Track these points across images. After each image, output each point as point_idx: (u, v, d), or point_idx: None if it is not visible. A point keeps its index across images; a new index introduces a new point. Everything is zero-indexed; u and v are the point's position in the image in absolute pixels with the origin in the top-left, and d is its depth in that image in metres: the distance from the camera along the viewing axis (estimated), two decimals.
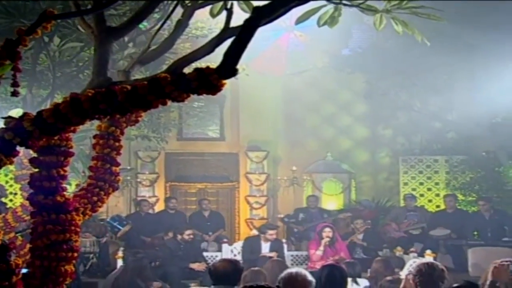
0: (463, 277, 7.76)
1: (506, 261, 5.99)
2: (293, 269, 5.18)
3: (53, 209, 4.12)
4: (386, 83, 16.58)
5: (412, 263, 6.91)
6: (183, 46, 10.55)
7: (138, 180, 16.29)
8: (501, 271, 5.89)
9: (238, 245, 12.66)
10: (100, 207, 4.79)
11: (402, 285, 6.76)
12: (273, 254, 11.56)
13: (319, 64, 16.55)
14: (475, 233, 13.30)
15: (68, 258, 4.13)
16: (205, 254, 12.43)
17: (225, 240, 13.30)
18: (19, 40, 3.61)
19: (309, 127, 17.17)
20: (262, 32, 3.69)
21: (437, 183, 16.30)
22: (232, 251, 12.48)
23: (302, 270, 5.16)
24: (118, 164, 4.80)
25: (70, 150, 4.19)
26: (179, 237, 12.16)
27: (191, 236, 12.30)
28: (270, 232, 12.25)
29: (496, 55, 13.57)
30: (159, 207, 15.77)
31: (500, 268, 5.93)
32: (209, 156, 17.02)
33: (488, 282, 5.69)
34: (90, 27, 4.42)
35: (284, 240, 12.94)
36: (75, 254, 4.20)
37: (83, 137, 9.72)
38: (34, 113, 3.72)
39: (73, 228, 4.17)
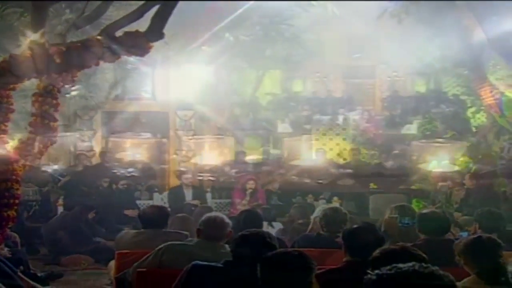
0: (363, 220, 8.05)
1: (395, 215, 6.14)
2: (212, 214, 5.26)
3: None
4: None
5: (321, 208, 7.05)
6: (118, 14, 10.31)
7: (77, 135, 16.02)
8: (391, 224, 6.07)
9: None
10: (39, 158, 4.72)
11: (310, 226, 6.93)
12: (196, 201, 11.66)
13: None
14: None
15: (10, 205, 4.07)
16: (138, 202, 12.39)
17: (156, 189, 13.31)
18: None
19: (233, 89, 17.15)
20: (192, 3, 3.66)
21: (344, 139, 16.54)
22: (162, 199, 12.49)
23: (220, 214, 5.23)
24: (56, 120, 4.73)
25: (11, 106, 4.10)
26: (114, 186, 12.09)
27: (125, 186, 12.26)
28: (185, 176, 12.36)
29: None
30: (96, 159, 15.57)
31: (390, 221, 6.11)
32: (142, 115, 16.84)
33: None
34: None
35: (208, 189, 13.01)
36: (17, 201, 4.15)
37: (26, 95, 9.48)
38: None
39: (14, 177, 4.11)
